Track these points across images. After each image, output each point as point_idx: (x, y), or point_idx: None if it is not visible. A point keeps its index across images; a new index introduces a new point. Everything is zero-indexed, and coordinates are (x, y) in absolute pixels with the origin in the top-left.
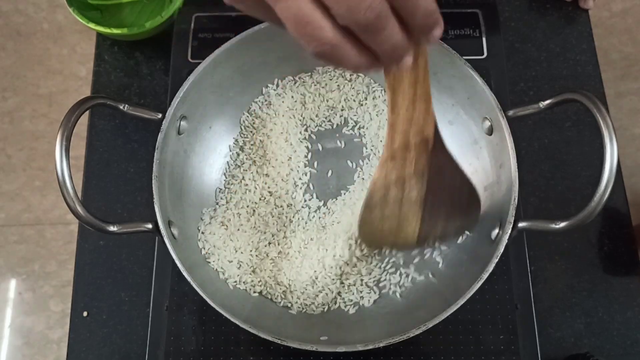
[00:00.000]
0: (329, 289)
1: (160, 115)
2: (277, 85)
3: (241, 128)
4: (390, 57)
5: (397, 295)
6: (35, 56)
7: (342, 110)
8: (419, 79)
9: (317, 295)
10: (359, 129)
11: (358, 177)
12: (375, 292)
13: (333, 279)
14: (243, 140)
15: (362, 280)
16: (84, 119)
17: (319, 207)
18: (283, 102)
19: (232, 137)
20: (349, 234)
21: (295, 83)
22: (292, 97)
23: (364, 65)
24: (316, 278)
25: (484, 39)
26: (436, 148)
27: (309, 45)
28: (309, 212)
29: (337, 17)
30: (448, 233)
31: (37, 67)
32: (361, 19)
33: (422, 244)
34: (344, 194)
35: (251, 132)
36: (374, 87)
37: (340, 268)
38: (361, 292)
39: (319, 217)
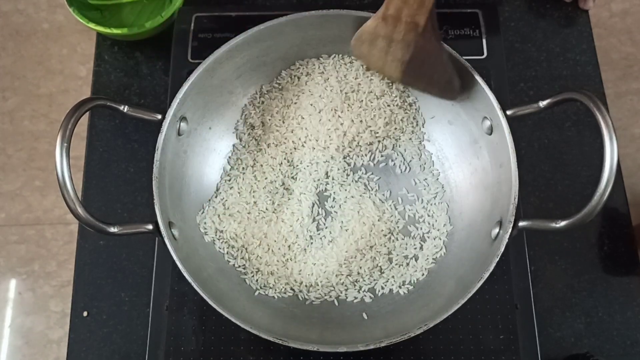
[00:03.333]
0: (332, 286)
1: (160, 117)
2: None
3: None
4: None
5: (398, 295)
6: (35, 56)
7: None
8: None
9: (320, 292)
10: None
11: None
12: (376, 293)
13: (337, 277)
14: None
15: (363, 280)
16: (84, 119)
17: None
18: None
19: (232, 138)
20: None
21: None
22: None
23: None
24: (319, 276)
25: (484, 39)
26: (426, 35)
27: None
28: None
29: None
30: (428, 92)
31: (37, 67)
32: None
33: (407, 85)
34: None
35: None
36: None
37: (343, 266)
38: (363, 293)
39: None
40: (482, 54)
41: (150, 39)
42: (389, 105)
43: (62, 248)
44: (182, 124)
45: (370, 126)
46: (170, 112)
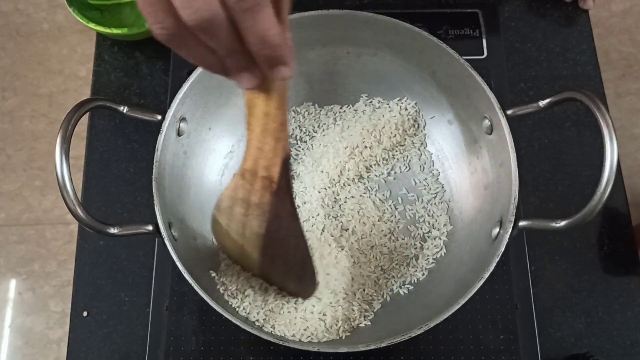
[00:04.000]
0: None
1: (159, 117)
2: None
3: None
4: (232, 67)
5: (398, 295)
6: (35, 56)
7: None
8: (271, 112)
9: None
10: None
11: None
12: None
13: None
14: None
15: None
16: (84, 119)
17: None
18: None
19: (232, 139)
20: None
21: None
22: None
23: (212, 66)
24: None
25: (484, 39)
26: (282, 198)
27: (151, 25)
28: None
29: (176, 9)
30: (288, 288)
31: (37, 67)
32: (190, 19)
33: (267, 280)
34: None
35: None
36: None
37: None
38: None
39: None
40: (482, 54)
41: (150, 39)
42: (391, 121)
43: (62, 248)
44: (181, 124)
45: (378, 142)
46: (170, 113)
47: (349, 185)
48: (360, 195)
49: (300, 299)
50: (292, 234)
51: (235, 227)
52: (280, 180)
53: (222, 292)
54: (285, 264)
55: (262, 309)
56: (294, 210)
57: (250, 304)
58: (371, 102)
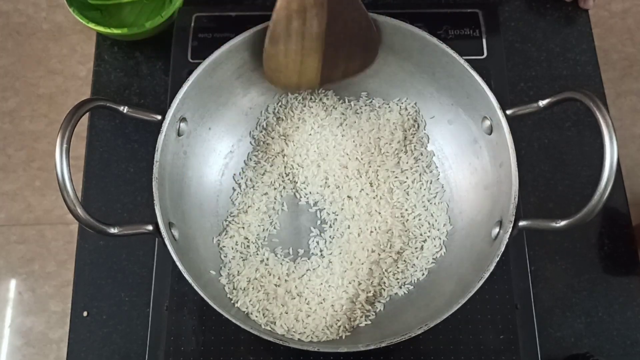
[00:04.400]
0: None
1: (159, 117)
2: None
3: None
4: None
5: (398, 295)
6: (35, 56)
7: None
8: None
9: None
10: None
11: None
12: (378, 294)
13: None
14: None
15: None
16: (84, 119)
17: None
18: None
19: (232, 139)
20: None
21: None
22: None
23: None
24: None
25: (484, 39)
26: None
27: None
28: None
29: None
30: (349, 72)
31: (37, 67)
32: None
33: (325, 83)
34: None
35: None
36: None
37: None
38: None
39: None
40: (482, 54)
41: (150, 39)
42: (390, 120)
43: (62, 248)
44: (181, 124)
45: (377, 141)
46: (170, 113)
47: (350, 179)
48: (359, 193)
49: (304, 296)
50: (352, 7)
51: (294, 44)
52: None
53: (225, 288)
54: (350, 42)
55: (261, 307)
56: None
57: (251, 300)
58: (371, 101)
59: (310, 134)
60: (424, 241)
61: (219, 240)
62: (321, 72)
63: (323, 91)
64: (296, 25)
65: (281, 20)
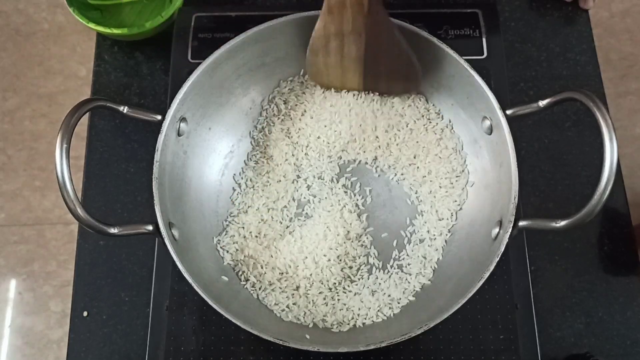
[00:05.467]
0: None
1: (159, 117)
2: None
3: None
4: None
5: (398, 296)
6: (35, 56)
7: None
8: None
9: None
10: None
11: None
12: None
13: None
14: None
15: (364, 284)
16: (84, 119)
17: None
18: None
19: (232, 139)
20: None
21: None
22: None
23: None
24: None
25: (484, 39)
26: (373, 12)
27: None
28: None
29: None
30: (391, 92)
31: (37, 67)
32: None
33: (369, 89)
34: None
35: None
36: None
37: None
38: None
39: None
40: (482, 54)
41: (150, 39)
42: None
43: (62, 248)
44: (181, 124)
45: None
46: (170, 113)
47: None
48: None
49: (310, 288)
50: (391, 42)
51: (334, 60)
52: (370, 0)
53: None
54: (389, 72)
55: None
56: (388, 20)
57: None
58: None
59: (312, 117)
60: (424, 241)
61: (219, 240)
62: (363, 84)
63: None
64: (335, 46)
65: (320, 38)
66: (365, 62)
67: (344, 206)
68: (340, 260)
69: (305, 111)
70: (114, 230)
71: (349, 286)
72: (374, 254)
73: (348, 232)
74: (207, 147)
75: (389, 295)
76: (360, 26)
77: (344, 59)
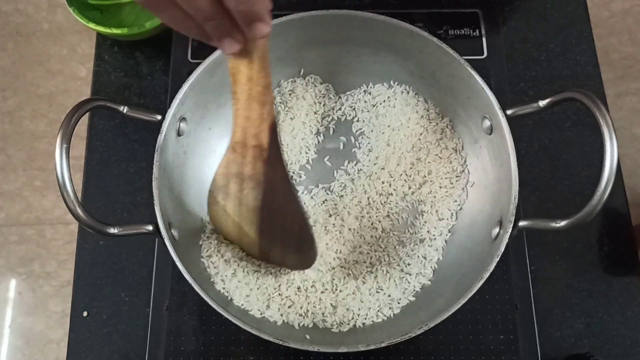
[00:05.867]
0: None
1: (159, 117)
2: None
3: None
4: (212, 33)
5: (398, 296)
6: (35, 56)
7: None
8: (254, 76)
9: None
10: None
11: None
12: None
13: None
14: None
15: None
16: (84, 119)
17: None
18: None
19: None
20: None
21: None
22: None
23: (191, 30)
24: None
25: (484, 39)
26: (274, 165)
27: None
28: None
29: None
30: (287, 262)
31: (37, 67)
32: None
33: (266, 259)
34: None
35: None
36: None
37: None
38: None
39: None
40: (482, 54)
41: (150, 39)
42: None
43: (62, 248)
44: (181, 124)
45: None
46: (170, 113)
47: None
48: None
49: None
50: (287, 201)
51: (232, 205)
52: (270, 147)
53: (213, 278)
54: (283, 235)
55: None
56: (286, 176)
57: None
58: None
59: (304, 122)
60: (424, 241)
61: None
62: (259, 246)
63: (324, 85)
64: (234, 189)
65: (222, 176)
66: (261, 215)
67: (344, 206)
68: (340, 260)
69: (306, 112)
70: (113, 231)
71: (349, 286)
72: (374, 254)
73: (348, 232)
74: (207, 147)
75: (389, 295)
76: (260, 173)
77: (242, 206)
